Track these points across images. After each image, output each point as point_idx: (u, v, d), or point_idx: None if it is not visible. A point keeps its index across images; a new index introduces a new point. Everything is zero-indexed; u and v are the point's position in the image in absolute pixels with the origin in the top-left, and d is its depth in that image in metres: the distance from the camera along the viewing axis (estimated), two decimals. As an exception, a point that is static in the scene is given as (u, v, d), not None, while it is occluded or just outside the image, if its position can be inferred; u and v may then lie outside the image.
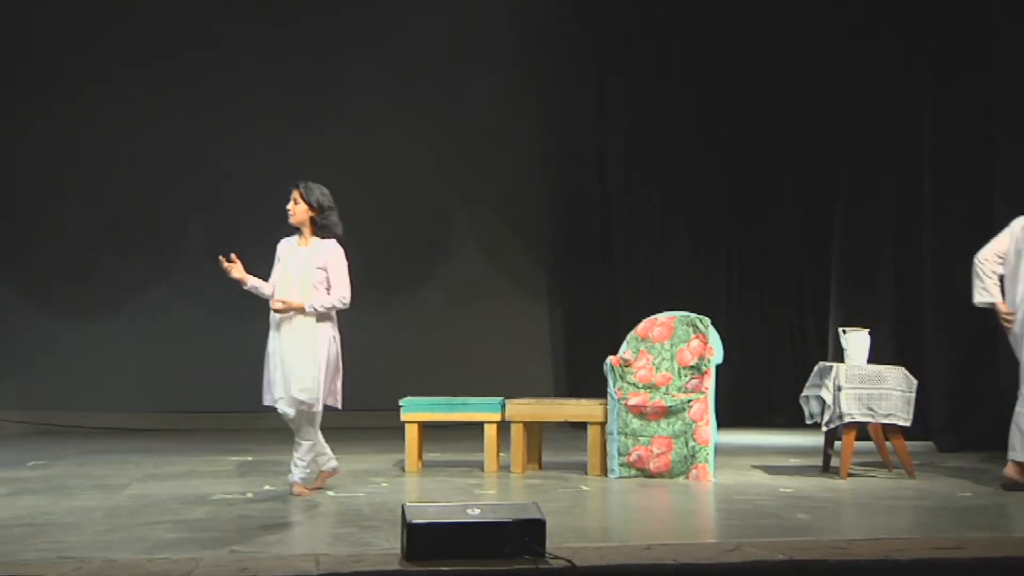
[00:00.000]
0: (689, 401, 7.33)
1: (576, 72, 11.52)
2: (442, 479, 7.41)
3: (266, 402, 6.66)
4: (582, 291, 11.54)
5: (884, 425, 7.40)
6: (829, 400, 7.30)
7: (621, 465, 7.37)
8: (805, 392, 7.65)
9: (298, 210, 6.65)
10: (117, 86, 11.00)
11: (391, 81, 11.33)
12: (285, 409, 6.56)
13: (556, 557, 4.46)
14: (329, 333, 6.60)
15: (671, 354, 7.69)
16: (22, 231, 11.12)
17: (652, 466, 7.32)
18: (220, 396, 10.80)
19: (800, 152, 11.32)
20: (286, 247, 6.74)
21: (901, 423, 7.31)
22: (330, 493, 6.70)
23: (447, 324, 11.45)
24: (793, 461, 8.29)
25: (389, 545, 4.94)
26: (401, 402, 7.88)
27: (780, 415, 10.78)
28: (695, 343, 7.66)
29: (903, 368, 7.40)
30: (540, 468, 7.84)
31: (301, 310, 6.53)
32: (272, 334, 6.61)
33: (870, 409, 7.26)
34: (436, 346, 11.34)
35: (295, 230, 6.73)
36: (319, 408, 6.57)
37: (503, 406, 7.75)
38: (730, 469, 7.75)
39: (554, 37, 11.52)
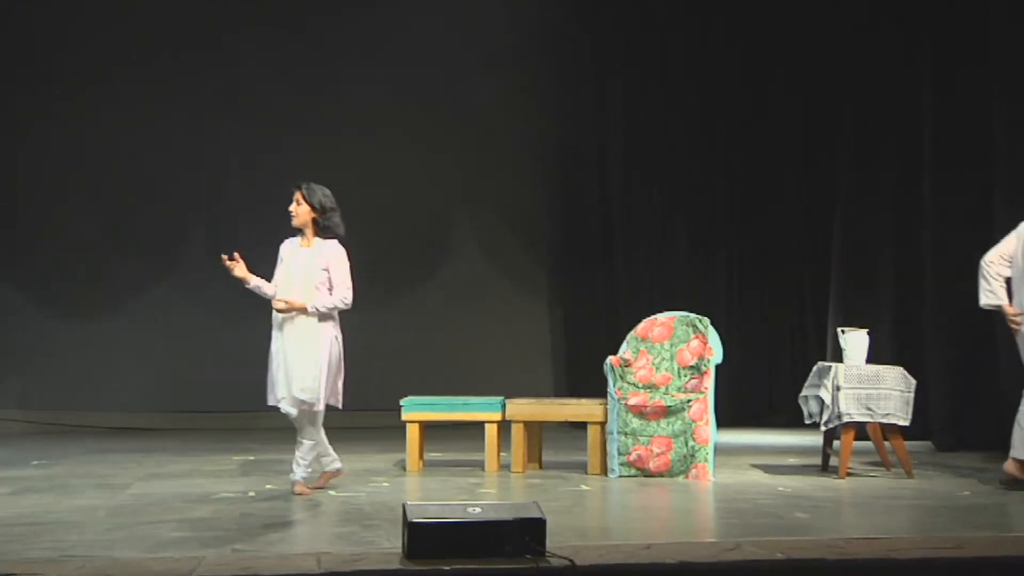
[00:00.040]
0: (689, 401, 7.35)
1: (576, 72, 11.52)
2: (443, 478, 7.43)
3: (270, 402, 6.69)
4: (582, 291, 11.55)
5: (883, 425, 7.41)
6: (828, 400, 7.32)
7: (621, 465, 7.38)
8: (804, 392, 7.67)
9: (300, 211, 6.67)
10: (117, 86, 11.00)
11: (391, 81, 11.33)
12: (287, 409, 6.58)
13: (556, 556, 4.47)
14: (331, 333, 6.62)
15: (671, 354, 7.71)
16: (22, 231, 11.12)
17: (652, 465, 7.33)
18: (221, 395, 10.81)
19: (800, 152, 11.33)
20: (289, 248, 6.77)
21: (900, 423, 7.33)
22: (331, 492, 6.72)
23: (447, 324, 11.45)
24: (792, 461, 8.30)
25: (390, 544, 4.95)
26: (402, 402, 7.90)
27: (780, 415, 10.78)
28: (695, 343, 7.68)
29: (902, 368, 7.42)
30: (540, 467, 7.86)
31: (303, 310, 6.56)
32: (275, 334, 6.64)
33: (869, 409, 7.28)
34: (436, 346, 11.34)
35: (297, 231, 6.75)
36: (321, 407, 6.59)
37: (504, 406, 7.77)
38: (729, 468, 7.77)
39: (554, 37, 11.52)
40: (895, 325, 9.57)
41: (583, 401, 7.88)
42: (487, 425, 7.75)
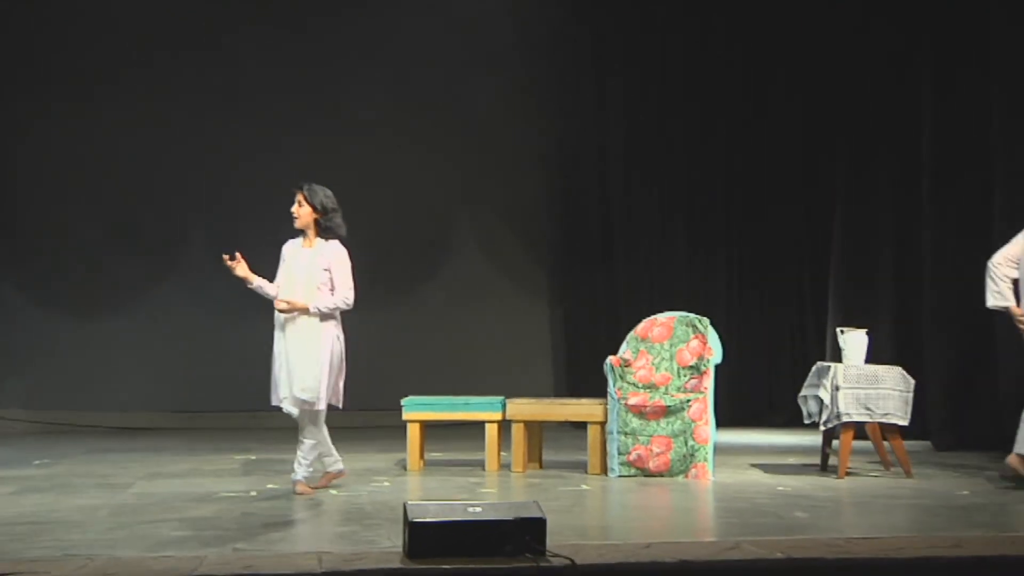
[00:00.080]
0: (688, 401, 7.36)
1: (576, 72, 11.53)
2: (443, 478, 7.44)
3: (273, 402, 6.71)
4: (582, 291, 11.56)
5: (882, 424, 7.42)
6: (827, 400, 7.33)
7: (621, 464, 7.39)
8: (803, 392, 7.68)
9: (302, 213, 6.69)
10: (117, 86, 11.01)
11: (391, 81, 11.34)
12: (289, 409, 6.61)
13: (556, 555, 4.49)
14: (333, 332, 6.64)
15: (670, 354, 7.72)
16: (22, 231, 11.13)
17: (652, 465, 7.35)
18: (222, 395, 10.82)
19: (800, 152, 11.34)
20: (291, 249, 6.78)
21: (899, 423, 7.34)
22: (332, 492, 6.73)
23: (447, 324, 11.46)
24: (792, 460, 8.32)
25: (391, 543, 4.97)
26: (403, 401, 7.91)
27: (779, 414, 10.79)
28: (694, 343, 7.69)
29: (900, 368, 7.43)
30: (541, 467, 7.87)
31: (305, 311, 6.57)
32: (277, 335, 6.66)
33: (868, 409, 7.29)
34: (436, 346, 11.35)
35: (299, 232, 6.77)
36: (322, 407, 6.61)
37: (504, 406, 7.78)
38: (729, 468, 7.78)
39: (554, 37, 11.53)
40: (894, 325, 9.59)
41: (583, 401, 7.89)
42: (487, 425, 7.76)
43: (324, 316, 6.60)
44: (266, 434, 9.53)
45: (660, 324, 7.84)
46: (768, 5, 11.26)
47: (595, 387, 8.22)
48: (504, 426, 7.80)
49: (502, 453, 7.80)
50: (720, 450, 8.02)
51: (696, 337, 7.70)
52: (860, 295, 9.86)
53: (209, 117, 11.10)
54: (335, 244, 6.71)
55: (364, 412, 9.53)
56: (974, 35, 9.09)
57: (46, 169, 11.11)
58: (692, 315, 7.84)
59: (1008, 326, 7.40)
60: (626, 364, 7.68)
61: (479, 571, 4.38)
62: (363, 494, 6.68)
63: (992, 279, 7.07)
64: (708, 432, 7.32)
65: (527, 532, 4.52)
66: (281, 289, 6.68)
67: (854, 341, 7.52)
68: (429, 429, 8.03)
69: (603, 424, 7.52)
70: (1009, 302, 7.03)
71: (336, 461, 6.85)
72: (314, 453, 6.72)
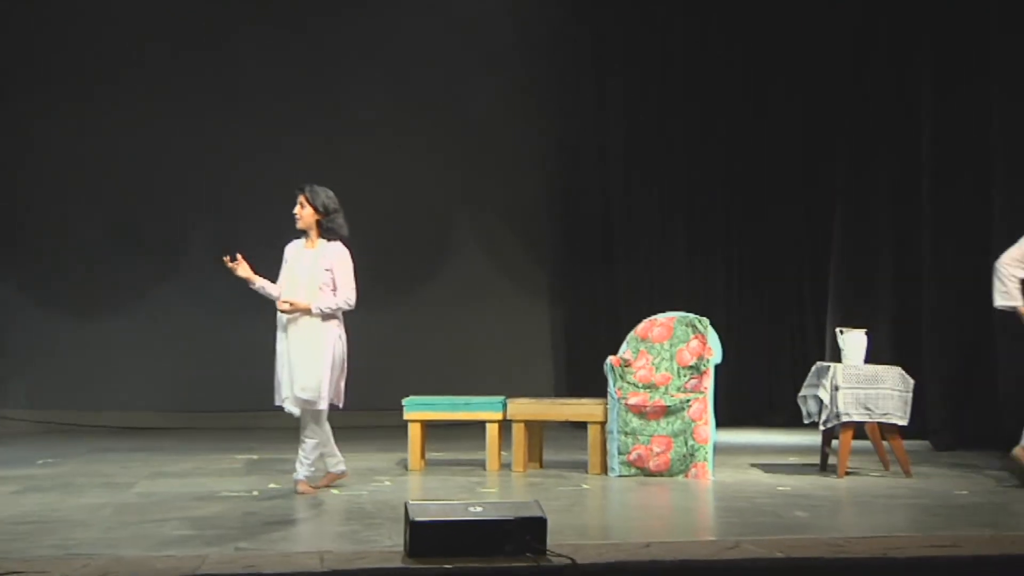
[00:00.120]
0: (688, 400, 7.37)
1: (576, 72, 11.54)
2: (444, 477, 7.45)
3: (276, 402, 6.73)
4: (582, 291, 11.57)
5: (881, 424, 7.44)
6: (826, 400, 7.34)
7: (621, 464, 7.41)
8: (803, 392, 7.69)
9: (304, 214, 6.70)
10: (117, 86, 11.02)
11: (391, 81, 11.35)
12: (291, 408, 6.63)
13: (557, 555, 4.50)
14: (335, 332, 6.66)
15: (670, 354, 7.74)
16: (22, 231, 11.14)
17: (652, 465, 7.36)
18: (223, 395, 10.84)
19: (800, 152, 11.35)
20: (293, 250, 6.80)
21: (898, 422, 7.35)
22: (334, 491, 6.75)
23: (448, 324, 11.47)
24: (791, 460, 8.33)
25: (392, 542, 4.98)
26: (404, 401, 7.92)
27: (779, 414, 10.80)
28: (694, 343, 7.71)
29: (900, 368, 7.44)
30: (541, 467, 7.89)
31: (307, 311, 6.59)
32: (279, 335, 6.67)
33: (867, 409, 7.30)
34: (437, 346, 11.36)
35: (300, 232, 6.78)
36: (323, 406, 6.62)
37: (504, 405, 7.79)
38: (729, 468, 7.79)
39: (554, 37, 11.54)
40: (894, 325, 9.59)
41: (583, 401, 7.90)
42: (488, 425, 7.78)
43: (326, 316, 6.62)
44: (267, 434, 9.55)
45: (660, 324, 7.86)
46: (768, 5, 11.27)
47: (595, 387, 8.23)
48: (505, 426, 7.81)
49: (503, 453, 7.81)
50: (720, 450, 8.04)
51: (696, 337, 7.71)
52: (860, 295, 9.87)
53: (209, 117, 11.11)
54: (337, 245, 6.73)
55: (365, 412, 9.53)
56: (974, 35, 9.10)
57: (46, 169, 11.11)
58: (692, 315, 7.85)
59: (1009, 326, 7.41)
60: (626, 364, 7.70)
61: (480, 570, 4.39)
62: (364, 493, 6.69)
63: (1000, 279, 7.09)
64: (708, 432, 7.34)
65: (528, 531, 4.54)
66: (283, 290, 6.70)
67: (853, 341, 7.53)
68: (430, 429, 8.04)
69: (603, 424, 7.54)
70: (1017, 302, 7.06)
71: (339, 462, 6.87)
72: (316, 453, 6.74)
